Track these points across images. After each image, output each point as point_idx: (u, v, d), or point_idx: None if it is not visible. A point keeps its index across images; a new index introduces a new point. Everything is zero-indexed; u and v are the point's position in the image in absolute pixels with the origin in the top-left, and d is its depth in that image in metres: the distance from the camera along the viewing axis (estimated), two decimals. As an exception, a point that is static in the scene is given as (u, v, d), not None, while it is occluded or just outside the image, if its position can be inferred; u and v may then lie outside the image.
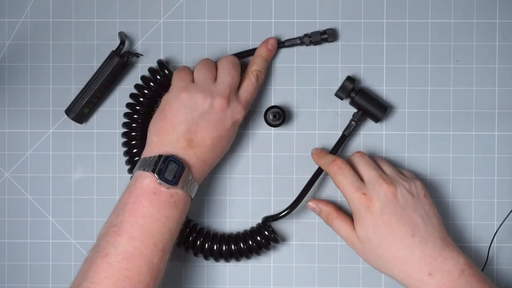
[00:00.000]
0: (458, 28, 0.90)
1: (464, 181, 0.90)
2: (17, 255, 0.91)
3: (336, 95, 0.88)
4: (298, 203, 0.87)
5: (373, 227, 0.81)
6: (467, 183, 0.90)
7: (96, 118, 0.91)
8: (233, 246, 0.88)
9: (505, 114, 0.90)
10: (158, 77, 0.87)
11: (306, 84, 0.90)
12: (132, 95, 0.88)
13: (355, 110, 0.88)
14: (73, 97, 0.90)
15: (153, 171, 0.79)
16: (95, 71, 0.89)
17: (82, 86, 0.89)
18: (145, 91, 0.87)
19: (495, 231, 0.89)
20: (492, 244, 0.89)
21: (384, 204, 0.81)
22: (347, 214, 0.86)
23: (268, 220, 0.88)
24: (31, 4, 0.91)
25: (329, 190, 0.90)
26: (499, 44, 0.90)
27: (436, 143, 0.90)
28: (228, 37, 0.90)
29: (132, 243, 0.77)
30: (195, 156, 0.82)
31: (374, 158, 0.88)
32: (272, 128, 0.90)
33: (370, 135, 0.90)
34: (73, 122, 0.90)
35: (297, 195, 0.87)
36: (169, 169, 0.80)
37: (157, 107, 0.88)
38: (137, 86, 0.88)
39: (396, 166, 0.89)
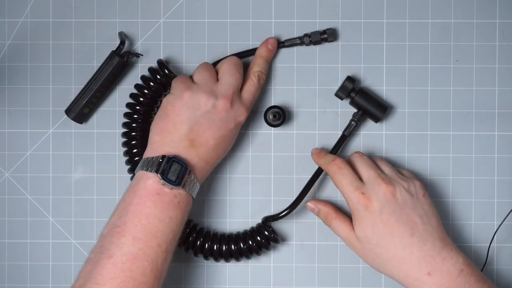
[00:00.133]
0: (458, 28, 0.90)
1: (464, 181, 0.90)
2: (17, 255, 0.91)
3: (336, 95, 0.88)
4: (298, 203, 0.87)
5: (372, 227, 0.81)
6: (467, 183, 0.90)
7: (96, 118, 0.91)
8: (233, 246, 0.88)
9: (505, 114, 0.90)
10: (158, 77, 0.87)
11: (306, 84, 0.90)
12: (132, 95, 0.88)
13: (355, 110, 0.88)
14: (73, 97, 0.90)
15: (156, 172, 0.79)
16: (95, 71, 0.89)
17: (82, 86, 0.89)
18: (145, 91, 0.87)
19: (495, 231, 0.89)
20: (491, 244, 0.89)
21: (383, 204, 0.81)
22: (346, 214, 0.87)
23: (268, 220, 0.88)
24: (31, 4, 0.91)
25: (329, 190, 0.90)
26: (499, 44, 0.90)
27: (436, 143, 0.90)
28: (228, 37, 0.90)
29: (136, 244, 0.77)
30: (197, 156, 0.82)
31: (373, 158, 0.88)
32: (272, 128, 0.90)
33: (370, 135, 0.90)
34: (73, 122, 0.90)
35: (297, 195, 0.87)
36: (172, 169, 0.80)
37: (157, 107, 0.89)
38: (137, 86, 0.88)
39: (396, 166, 0.89)
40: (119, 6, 0.91)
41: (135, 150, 0.87)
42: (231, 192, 0.91)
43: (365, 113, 0.88)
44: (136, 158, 0.87)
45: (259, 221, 0.89)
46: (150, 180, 0.80)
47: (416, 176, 0.87)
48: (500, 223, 0.89)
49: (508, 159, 0.90)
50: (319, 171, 0.88)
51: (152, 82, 0.87)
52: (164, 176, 0.79)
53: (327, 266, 0.90)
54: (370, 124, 0.90)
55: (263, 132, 0.91)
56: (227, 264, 0.90)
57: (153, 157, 0.81)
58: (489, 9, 0.90)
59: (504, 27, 0.90)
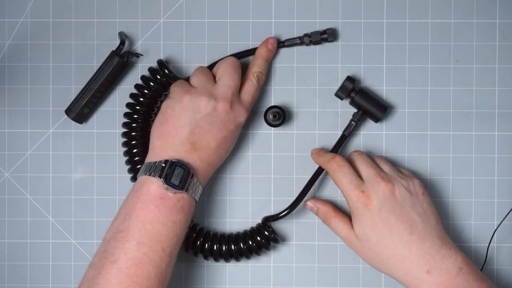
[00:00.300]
0: (458, 28, 0.90)
1: (464, 181, 0.90)
2: (17, 255, 0.91)
3: (336, 95, 0.88)
4: (298, 203, 0.87)
5: (371, 225, 0.81)
6: (467, 183, 0.90)
7: (96, 118, 0.91)
8: (233, 246, 0.88)
9: (505, 114, 0.90)
10: (158, 77, 0.87)
11: (306, 84, 0.90)
12: (132, 95, 0.88)
13: (355, 110, 0.88)
14: (73, 97, 0.90)
15: (160, 177, 0.79)
16: (95, 71, 0.89)
17: (82, 86, 0.89)
18: (145, 91, 0.87)
19: (494, 230, 0.89)
20: (491, 244, 0.89)
21: (382, 202, 0.81)
22: (345, 213, 0.87)
23: (268, 220, 0.88)
24: (31, 4, 0.91)
25: (329, 190, 0.90)
26: (499, 44, 0.90)
27: (436, 143, 0.90)
28: (228, 37, 0.90)
29: (141, 248, 0.77)
30: (199, 159, 0.82)
31: (372, 157, 0.88)
32: (272, 128, 0.90)
33: (370, 135, 0.90)
34: (73, 122, 0.90)
35: (297, 195, 0.87)
36: (175, 174, 0.80)
37: (157, 107, 0.89)
38: (137, 86, 0.88)
39: (396, 166, 0.89)
40: (119, 6, 0.91)
41: (135, 150, 0.87)
42: (231, 192, 0.91)
43: (365, 113, 0.88)
44: (136, 158, 0.87)
45: (259, 221, 0.89)
46: (153, 185, 0.80)
47: (416, 176, 0.87)
48: (499, 222, 0.89)
49: (508, 159, 0.90)
50: (319, 171, 0.88)
51: (152, 82, 0.87)
52: (168, 180, 0.79)
53: (327, 266, 0.90)
54: (370, 124, 0.90)
55: (263, 132, 0.91)
56: (227, 264, 0.90)
57: (155, 162, 0.81)
58: (489, 9, 0.90)
59: (504, 27, 0.90)
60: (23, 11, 0.91)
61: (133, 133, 0.87)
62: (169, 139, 0.82)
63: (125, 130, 0.88)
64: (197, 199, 0.83)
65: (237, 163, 0.91)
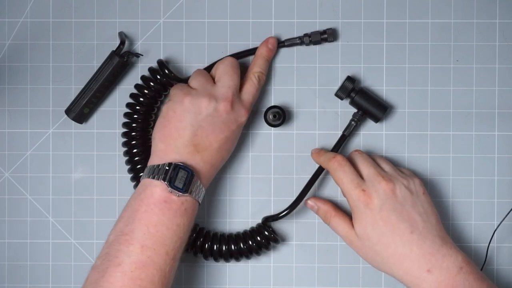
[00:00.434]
0: (458, 28, 0.90)
1: (464, 181, 0.90)
2: (17, 255, 0.91)
3: (336, 95, 0.88)
4: (298, 203, 0.87)
5: (372, 224, 0.82)
6: (467, 183, 0.90)
7: (96, 118, 0.91)
8: (233, 246, 0.88)
9: (505, 114, 0.90)
10: (158, 77, 0.87)
11: (306, 84, 0.90)
12: (132, 95, 0.88)
13: (355, 110, 0.89)
14: (73, 97, 0.90)
15: (164, 180, 0.79)
16: (95, 71, 0.89)
17: (82, 86, 0.89)
18: (145, 91, 0.87)
19: (494, 230, 0.89)
20: (491, 244, 0.89)
21: (383, 201, 0.81)
22: (345, 212, 0.87)
23: (268, 220, 0.88)
24: (31, 4, 0.91)
25: (329, 190, 0.90)
26: (499, 44, 0.90)
27: (436, 143, 0.90)
28: (228, 37, 0.90)
29: (145, 252, 0.77)
30: (202, 160, 0.82)
31: (372, 156, 0.88)
32: (272, 128, 0.90)
33: (370, 135, 0.90)
34: (73, 122, 0.90)
35: (297, 195, 0.87)
36: (179, 176, 0.80)
37: (157, 107, 0.89)
38: (137, 86, 0.88)
39: (396, 165, 0.89)
40: (119, 6, 0.91)
41: (135, 150, 0.87)
42: (231, 192, 0.91)
43: (365, 113, 0.88)
44: (136, 158, 0.87)
45: (259, 221, 0.89)
46: (157, 188, 0.80)
47: (416, 175, 0.87)
48: (499, 222, 0.89)
49: (508, 159, 0.90)
50: (319, 171, 0.88)
51: (152, 82, 0.87)
52: (172, 183, 0.79)
53: (327, 266, 0.90)
54: (370, 124, 0.90)
55: (263, 132, 0.91)
56: (227, 264, 0.90)
57: (159, 165, 0.81)
58: (489, 9, 0.90)
59: (504, 27, 0.90)
60: (23, 11, 0.91)
61: (133, 133, 0.87)
62: (171, 141, 0.82)
63: (125, 130, 0.88)
64: (200, 202, 0.83)
65: (237, 163, 0.91)
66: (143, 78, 0.88)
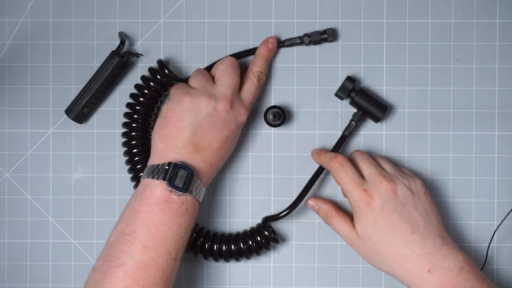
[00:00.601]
0: (458, 28, 0.90)
1: (464, 181, 0.90)
2: (17, 255, 0.91)
3: (336, 95, 0.88)
4: (298, 203, 0.87)
5: (373, 224, 0.82)
6: (467, 183, 0.90)
7: (96, 118, 0.91)
8: (233, 246, 0.87)
9: (505, 114, 0.90)
10: (158, 77, 0.87)
11: (306, 84, 0.90)
12: (132, 95, 0.88)
13: (355, 110, 0.88)
14: (73, 97, 0.90)
15: (164, 179, 0.79)
16: (95, 71, 0.89)
17: (82, 86, 0.89)
18: (145, 91, 0.87)
19: (494, 230, 0.89)
20: (491, 244, 0.89)
21: (385, 201, 0.81)
22: (346, 212, 0.87)
23: (268, 220, 0.88)
24: (31, 4, 0.91)
25: (329, 190, 0.90)
26: (499, 44, 0.90)
27: (436, 143, 0.90)
28: (228, 37, 0.90)
29: (147, 252, 0.77)
30: (202, 160, 0.82)
31: (373, 156, 0.88)
32: (272, 128, 0.90)
33: (370, 135, 0.90)
34: (73, 122, 0.90)
35: (297, 195, 0.87)
36: (179, 176, 0.80)
37: (157, 107, 0.89)
38: (137, 86, 0.88)
39: (397, 165, 0.89)
40: (119, 6, 0.91)
41: (135, 150, 0.87)
42: (231, 192, 0.91)
43: (365, 113, 0.88)
44: (136, 158, 0.87)
45: (259, 221, 0.89)
46: (157, 188, 0.79)
47: (417, 175, 0.87)
48: (499, 222, 0.89)
49: (508, 159, 0.90)
50: (319, 171, 0.88)
51: (152, 82, 0.87)
52: (171, 183, 0.79)
53: (327, 266, 0.90)
54: (370, 124, 0.90)
55: (263, 132, 0.91)
56: (227, 264, 0.90)
57: (158, 165, 0.81)
58: (489, 9, 0.90)
59: (504, 27, 0.90)
60: (23, 11, 0.91)
61: (133, 133, 0.87)
62: (171, 141, 0.82)
63: (125, 130, 0.88)
64: (200, 201, 0.83)
65: (237, 163, 0.91)
66: (143, 78, 0.88)
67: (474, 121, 0.90)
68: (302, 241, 0.91)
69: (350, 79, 0.88)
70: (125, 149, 0.88)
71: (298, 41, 0.89)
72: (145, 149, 0.87)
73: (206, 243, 0.88)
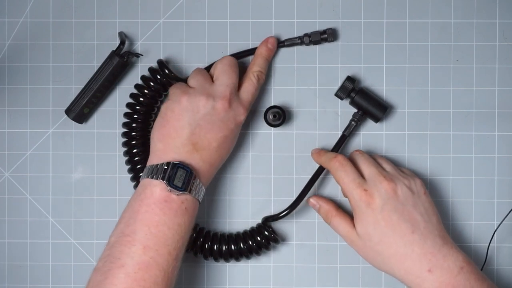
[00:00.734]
0: (458, 28, 0.90)
1: (464, 181, 0.90)
2: (17, 255, 0.91)
3: (336, 95, 0.88)
4: (298, 203, 0.87)
5: (373, 224, 0.82)
6: (467, 183, 0.90)
7: (96, 118, 0.91)
8: (233, 246, 0.87)
9: (505, 114, 0.90)
10: (158, 77, 0.87)
11: (306, 84, 0.90)
12: (132, 95, 0.88)
13: (355, 110, 0.89)
14: (73, 97, 0.90)
15: (162, 179, 0.79)
16: (95, 71, 0.89)
17: (82, 86, 0.89)
18: (145, 91, 0.87)
19: (494, 230, 0.89)
20: (491, 244, 0.89)
21: (385, 201, 0.81)
22: (347, 212, 0.87)
23: (268, 220, 0.88)
24: (31, 4, 0.91)
25: (329, 190, 0.90)
26: (499, 44, 0.90)
27: (436, 143, 0.90)
28: (228, 37, 0.90)
29: (148, 252, 0.77)
30: (201, 159, 0.82)
31: (373, 156, 0.88)
32: (272, 128, 0.90)
33: (370, 135, 0.90)
34: (73, 122, 0.90)
35: (297, 195, 0.87)
36: (178, 175, 0.80)
37: (157, 107, 0.89)
38: (137, 86, 0.88)
39: (396, 165, 0.89)
40: (119, 6, 0.91)
41: (135, 150, 0.87)
42: (231, 192, 0.91)
43: (365, 113, 0.88)
44: (136, 158, 0.87)
45: (259, 221, 0.89)
46: (156, 188, 0.79)
47: (417, 175, 0.87)
48: (499, 222, 0.89)
49: (508, 159, 0.90)
50: (319, 171, 0.88)
51: (152, 82, 0.87)
52: (171, 182, 0.79)
53: (327, 266, 0.90)
54: (370, 124, 0.90)
55: (263, 132, 0.91)
56: (227, 264, 0.90)
57: (157, 164, 0.81)
58: (489, 9, 0.90)
59: (504, 27, 0.90)
60: (23, 11, 0.91)
61: (133, 133, 0.88)
62: (170, 141, 0.82)
63: (125, 130, 0.88)
64: (200, 200, 0.83)
65: (237, 163, 0.91)
66: (143, 78, 0.88)
67: (474, 121, 0.90)
68: (302, 241, 0.91)
69: (350, 79, 0.88)
70: (125, 149, 0.88)
71: (298, 41, 0.89)
72: (145, 149, 0.87)
73: (206, 243, 0.88)
